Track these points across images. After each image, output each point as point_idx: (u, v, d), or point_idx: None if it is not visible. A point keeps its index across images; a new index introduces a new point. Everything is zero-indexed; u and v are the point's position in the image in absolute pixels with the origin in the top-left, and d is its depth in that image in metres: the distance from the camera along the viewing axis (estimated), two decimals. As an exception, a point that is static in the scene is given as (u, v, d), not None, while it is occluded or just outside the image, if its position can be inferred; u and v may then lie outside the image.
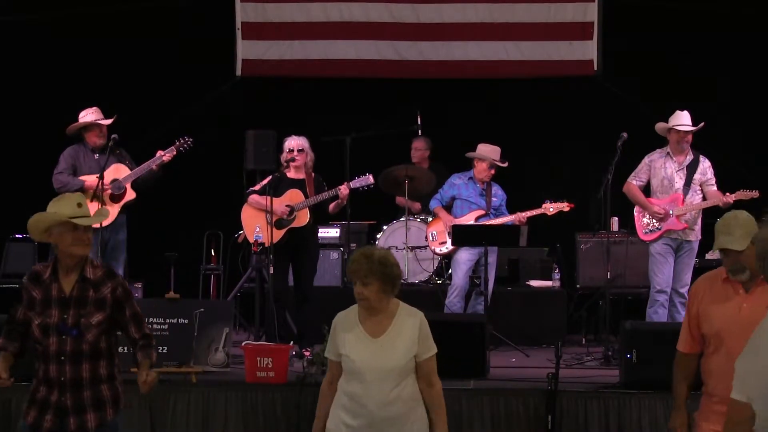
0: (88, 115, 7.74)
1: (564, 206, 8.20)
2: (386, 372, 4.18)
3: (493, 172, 8.35)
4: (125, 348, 6.42)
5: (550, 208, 8.20)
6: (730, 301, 4.16)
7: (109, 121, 7.72)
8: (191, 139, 7.78)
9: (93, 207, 7.42)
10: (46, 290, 4.21)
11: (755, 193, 7.50)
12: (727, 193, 7.48)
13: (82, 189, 7.52)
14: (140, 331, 4.39)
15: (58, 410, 4.18)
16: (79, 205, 4.25)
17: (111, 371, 4.30)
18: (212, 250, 9.60)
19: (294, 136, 7.80)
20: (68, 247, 4.20)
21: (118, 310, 4.28)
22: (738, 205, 7.55)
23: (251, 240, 7.68)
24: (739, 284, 4.17)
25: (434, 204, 8.57)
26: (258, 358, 6.29)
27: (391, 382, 4.18)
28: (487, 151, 8.31)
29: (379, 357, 4.20)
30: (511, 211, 8.34)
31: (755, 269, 3.97)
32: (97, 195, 7.41)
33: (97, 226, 7.39)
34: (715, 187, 7.61)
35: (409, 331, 4.25)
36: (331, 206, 7.79)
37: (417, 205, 9.34)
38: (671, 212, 7.54)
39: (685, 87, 9.39)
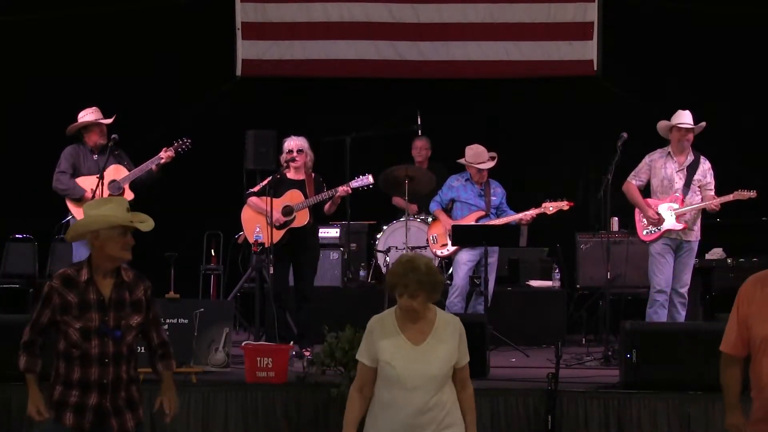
0: (88, 115, 7.71)
1: (564, 205, 8.20)
2: (428, 379, 4.14)
3: (486, 172, 8.35)
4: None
5: (550, 207, 8.19)
6: None
7: (109, 121, 7.70)
8: (189, 141, 7.76)
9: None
10: (82, 294, 4.18)
11: (753, 193, 7.50)
12: (716, 198, 7.47)
13: (83, 198, 7.51)
14: (160, 337, 4.44)
15: (98, 413, 4.17)
16: (128, 209, 4.27)
17: (137, 372, 4.35)
18: (212, 250, 9.61)
19: (293, 137, 7.80)
20: (118, 251, 4.21)
21: (146, 313, 4.33)
22: (736, 204, 7.56)
23: (251, 240, 7.68)
24: None
25: (434, 206, 8.57)
26: (258, 358, 6.29)
27: (433, 389, 4.15)
28: (471, 155, 8.29)
29: (421, 364, 4.15)
30: (513, 209, 8.34)
31: None
32: (95, 198, 7.40)
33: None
34: (713, 192, 7.59)
35: (449, 338, 4.23)
36: (326, 206, 7.76)
37: (414, 207, 9.32)
38: (671, 213, 7.54)
39: (685, 87, 9.39)
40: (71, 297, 4.18)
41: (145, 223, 4.32)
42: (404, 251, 8.81)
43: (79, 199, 7.54)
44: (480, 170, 8.28)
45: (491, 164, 8.29)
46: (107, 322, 4.17)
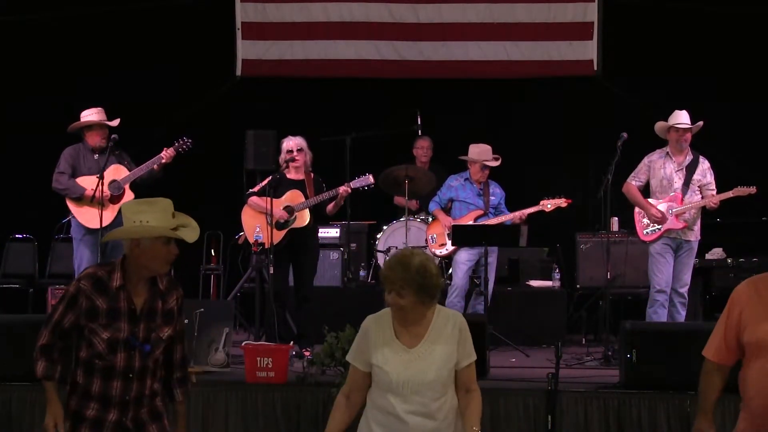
0: (93, 115, 7.70)
1: (561, 202, 8.21)
2: (425, 385, 3.82)
3: (487, 171, 8.35)
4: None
5: (548, 204, 8.20)
6: None
7: (114, 123, 7.69)
8: (190, 140, 7.76)
9: (92, 210, 7.46)
10: (112, 300, 3.82)
11: (752, 189, 7.50)
12: (715, 195, 7.47)
13: (82, 197, 7.50)
14: (182, 353, 4.08)
15: (118, 429, 3.86)
16: (173, 215, 3.92)
17: (160, 384, 4.03)
18: (212, 251, 9.61)
19: (291, 137, 7.79)
20: (157, 264, 3.87)
21: (175, 324, 4.00)
22: (736, 201, 7.57)
23: (251, 240, 7.68)
24: None
25: (433, 206, 8.58)
26: (258, 358, 6.29)
27: (432, 394, 3.84)
28: (477, 153, 8.30)
29: (416, 369, 3.82)
30: (511, 210, 8.34)
31: None
32: (96, 197, 7.39)
33: (97, 227, 7.40)
34: (714, 191, 7.59)
35: (447, 338, 3.89)
36: (329, 207, 7.77)
37: (414, 203, 9.33)
38: (671, 212, 7.54)
39: (685, 86, 9.39)
40: (100, 302, 3.81)
41: (190, 231, 3.95)
42: (404, 251, 8.81)
43: (79, 198, 7.53)
44: (483, 168, 8.28)
45: (495, 163, 8.30)
46: (137, 334, 3.83)
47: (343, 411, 3.95)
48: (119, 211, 7.60)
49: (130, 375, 3.85)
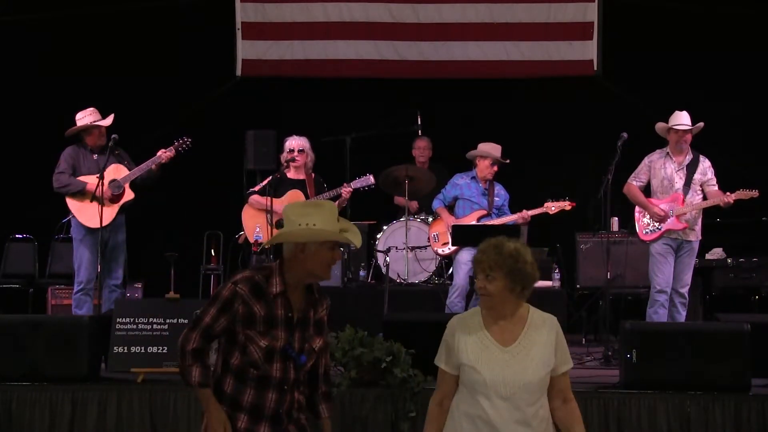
0: (86, 117, 7.70)
1: (566, 205, 8.22)
2: (521, 387, 3.58)
3: (496, 169, 8.36)
4: (125, 348, 6.44)
5: (552, 207, 8.21)
6: None
7: (107, 122, 7.69)
8: (189, 140, 7.76)
9: (93, 209, 7.45)
10: (270, 307, 3.63)
11: (755, 193, 7.50)
12: (728, 193, 7.48)
13: (84, 191, 7.50)
14: (328, 365, 3.89)
15: None
16: (338, 217, 3.69)
17: (304, 397, 3.83)
18: (212, 250, 9.60)
19: (295, 136, 7.81)
20: (322, 269, 3.66)
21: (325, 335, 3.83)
22: (738, 204, 7.57)
23: (251, 240, 7.68)
24: None
25: (437, 204, 8.58)
26: (258, 358, 6.27)
27: (528, 398, 3.60)
28: (489, 149, 8.32)
29: (513, 369, 3.59)
30: (513, 212, 8.35)
31: None
32: (96, 196, 7.39)
33: (97, 226, 7.39)
34: (716, 187, 7.60)
35: (544, 340, 3.65)
36: (331, 207, 7.76)
37: (414, 204, 9.32)
38: (671, 212, 7.54)
39: (685, 87, 9.39)
40: (258, 308, 3.61)
41: (354, 235, 3.73)
42: (404, 251, 8.82)
43: (81, 193, 7.53)
44: (493, 164, 8.29)
45: (505, 161, 8.31)
46: (292, 343, 3.65)
47: (440, 421, 3.73)
48: (119, 210, 7.62)
49: (285, 387, 3.67)
